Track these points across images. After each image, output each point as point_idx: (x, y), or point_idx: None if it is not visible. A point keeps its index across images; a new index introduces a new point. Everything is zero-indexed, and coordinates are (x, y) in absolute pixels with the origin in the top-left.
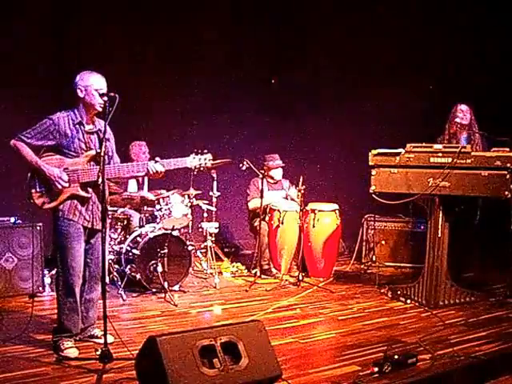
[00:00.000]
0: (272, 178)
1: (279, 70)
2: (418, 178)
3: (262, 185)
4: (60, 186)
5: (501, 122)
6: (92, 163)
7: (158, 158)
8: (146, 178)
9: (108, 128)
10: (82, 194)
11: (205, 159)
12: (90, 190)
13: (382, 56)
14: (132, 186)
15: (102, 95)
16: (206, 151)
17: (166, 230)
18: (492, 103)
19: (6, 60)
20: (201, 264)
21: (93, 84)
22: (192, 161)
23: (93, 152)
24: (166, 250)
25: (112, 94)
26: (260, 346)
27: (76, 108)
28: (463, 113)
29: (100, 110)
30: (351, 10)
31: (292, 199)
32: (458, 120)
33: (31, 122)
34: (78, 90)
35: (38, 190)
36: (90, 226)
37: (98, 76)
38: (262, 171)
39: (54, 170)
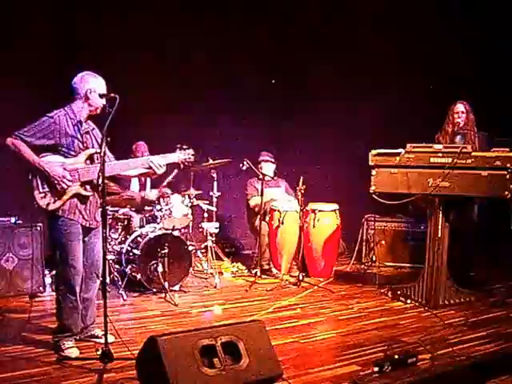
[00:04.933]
0: (265, 175)
1: (279, 71)
2: (418, 178)
3: (262, 185)
4: (65, 186)
5: (501, 122)
6: (88, 162)
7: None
8: (148, 178)
9: (94, 126)
10: (85, 192)
11: (188, 154)
12: (89, 188)
13: (382, 56)
14: (134, 185)
15: (101, 96)
16: (186, 147)
17: (166, 230)
18: (492, 103)
19: (6, 60)
20: (201, 264)
21: (98, 88)
22: (179, 155)
23: (91, 150)
24: (166, 250)
25: (112, 94)
26: (260, 346)
27: (72, 106)
28: (459, 114)
29: (99, 112)
30: (351, 10)
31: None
32: (454, 120)
33: (31, 121)
34: (81, 91)
35: (40, 190)
36: (87, 225)
37: (101, 80)
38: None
39: (57, 170)
